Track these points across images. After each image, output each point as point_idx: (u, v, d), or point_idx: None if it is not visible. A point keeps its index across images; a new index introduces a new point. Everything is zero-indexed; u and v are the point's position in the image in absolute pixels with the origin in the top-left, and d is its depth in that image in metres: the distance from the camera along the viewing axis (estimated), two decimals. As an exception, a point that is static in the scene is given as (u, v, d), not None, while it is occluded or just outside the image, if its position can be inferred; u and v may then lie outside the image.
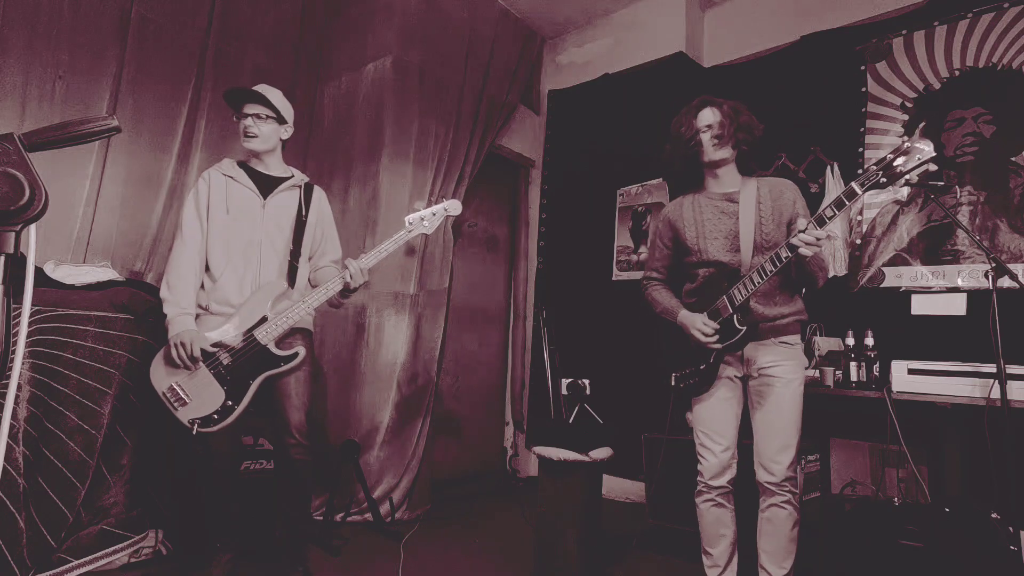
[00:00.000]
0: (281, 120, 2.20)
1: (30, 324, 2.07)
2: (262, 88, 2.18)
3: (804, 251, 1.69)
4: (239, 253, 2.10)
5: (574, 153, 4.27)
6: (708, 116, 1.94)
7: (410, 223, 2.20)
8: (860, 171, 1.74)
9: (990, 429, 2.04)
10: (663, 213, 2.12)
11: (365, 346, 3.24)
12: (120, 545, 2.23)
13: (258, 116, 2.14)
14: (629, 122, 3.96)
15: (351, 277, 2.06)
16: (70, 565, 2.10)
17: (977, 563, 1.90)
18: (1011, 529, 1.94)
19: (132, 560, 2.25)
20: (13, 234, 0.73)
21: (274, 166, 2.24)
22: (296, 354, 2.05)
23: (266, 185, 2.19)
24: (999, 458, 2.02)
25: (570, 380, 2.83)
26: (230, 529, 2.13)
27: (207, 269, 2.11)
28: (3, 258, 0.73)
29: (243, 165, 2.22)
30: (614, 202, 3.99)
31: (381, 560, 2.51)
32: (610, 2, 4.07)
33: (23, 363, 2.01)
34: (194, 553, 2.29)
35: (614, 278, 3.90)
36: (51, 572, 2.05)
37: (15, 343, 0.77)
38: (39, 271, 2.29)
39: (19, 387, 2.01)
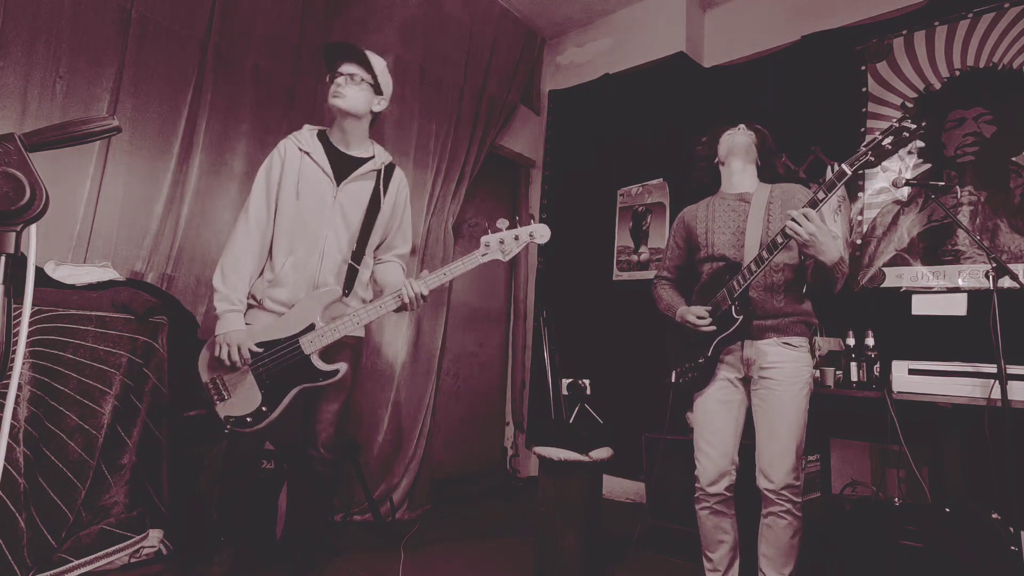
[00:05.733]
0: (378, 90, 2.00)
1: (31, 324, 2.07)
2: (379, 64, 2.00)
3: (791, 227, 1.69)
4: (303, 247, 1.96)
5: (574, 153, 4.27)
6: (740, 126, 2.07)
7: (487, 245, 1.95)
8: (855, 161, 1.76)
9: (990, 429, 2.05)
10: (680, 214, 2.19)
11: (366, 346, 3.23)
12: (121, 545, 2.23)
13: (352, 77, 1.95)
14: (629, 122, 3.96)
15: (409, 299, 1.91)
16: (71, 565, 2.10)
17: (977, 563, 1.90)
18: (1011, 529, 1.94)
19: (133, 560, 2.25)
20: (14, 234, 0.73)
21: (356, 142, 2.05)
22: (336, 371, 1.93)
23: (342, 167, 1.99)
24: (999, 458, 2.02)
25: (570, 380, 2.83)
26: (232, 528, 2.12)
27: (272, 259, 1.98)
28: (4, 258, 0.73)
29: (323, 137, 2.02)
30: (614, 202, 3.99)
31: (381, 560, 2.51)
32: (610, 2, 4.07)
33: (24, 363, 2.01)
34: (195, 552, 2.29)
35: (614, 278, 3.90)
36: (52, 572, 2.04)
37: (16, 343, 0.77)
38: (40, 271, 2.29)
39: (20, 387, 2.01)
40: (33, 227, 0.75)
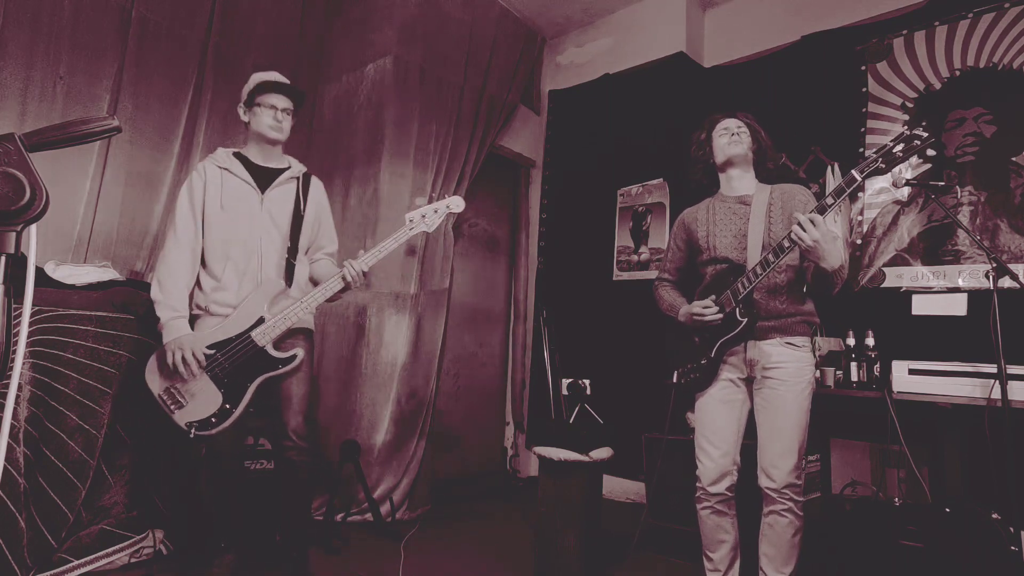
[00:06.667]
0: (294, 117, 2.21)
1: (31, 324, 2.07)
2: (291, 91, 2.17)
3: (796, 232, 1.68)
4: (239, 251, 2.06)
5: (574, 153, 4.27)
6: (728, 122, 2.04)
7: (411, 221, 2.14)
8: (860, 161, 1.76)
9: (990, 429, 2.05)
10: (680, 216, 2.19)
11: (366, 346, 3.24)
12: (121, 545, 2.23)
13: (287, 111, 2.13)
14: (630, 122, 3.96)
15: (351, 277, 2.02)
16: (71, 565, 2.10)
17: (977, 563, 1.90)
18: (1011, 529, 1.94)
19: (133, 560, 2.25)
20: (14, 234, 0.73)
21: (274, 158, 2.19)
22: (294, 356, 2.02)
23: (263, 178, 2.13)
24: (999, 458, 2.02)
25: (570, 380, 2.83)
26: (232, 529, 2.13)
27: (207, 268, 2.07)
28: (4, 258, 0.73)
29: (239, 156, 2.15)
30: (614, 202, 3.99)
31: (381, 560, 2.51)
32: (610, 2, 4.07)
33: (24, 363, 2.01)
34: (195, 553, 2.29)
35: (614, 278, 3.90)
36: (52, 572, 2.05)
37: (16, 343, 0.77)
38: (40, 271, 2.29)
39: (20, 387, 2.01)
40: (33, 227, 0.75)
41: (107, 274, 2.43)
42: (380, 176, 3.32)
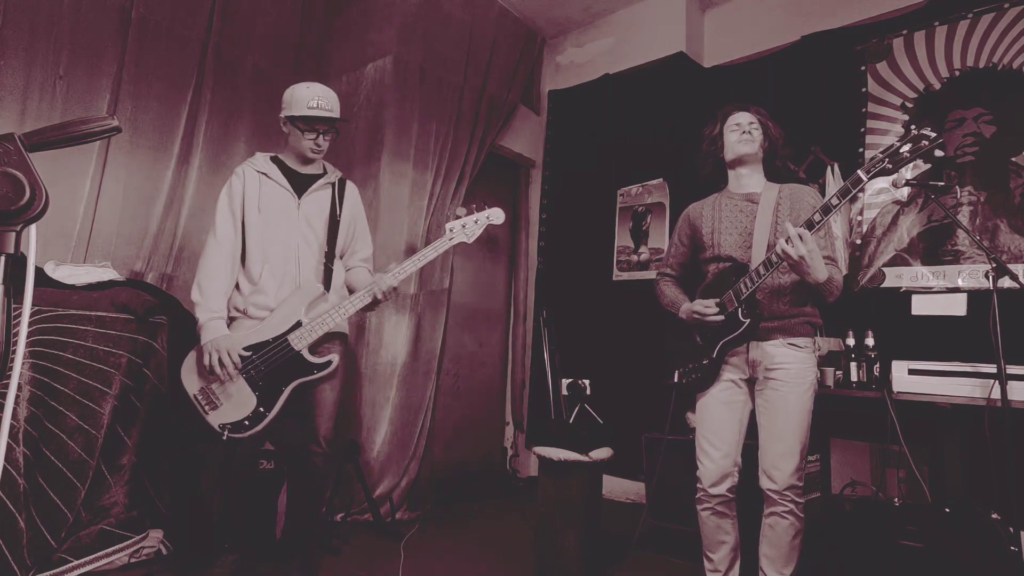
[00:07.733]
0: None
1: (30, 324, 2.07)
2: (337, 106, 2.14)
3: (782, 247, 1.69)
4: (277, 255, 2.07)
5: (574, 153, 4.27)
6: (741, 117, 2.01)
7: (451, 231, 2.14)
8: (861, 161, 1.75)
9: (990, 429, 2.05)
10: (685, 211, 2.17)
11: (365, 346, 3.24)
12: (120, 545, 2.23)
13: (328, 132, 2.13)
14: (629, 122, 3.96)
15: (380, 295, 2.02)
16: (70, 565, 2.10)
17: (977, 563, 1.90)
18: (1011, 529, 1.94)
19: (132, 560, 2.25)
20: (13, 234, 0.73)
21: (311, 163, 2.19)
22: (330, 362, 2.02)
23: (300, 183, 2.14)
24: (999, 458, 2.02)
25: (570, 380, 2.83)
26: (235, 529, 2.12)
27: (246, 271, 2.07)
28: (3, 258, 0.73)
29: (277, 161, 2.16)
30: (614, 202, 3.99)
31: (381, 560, 2.51)
32: (611, 2, 4.07)
33: (24, 363, 2.01)
34: (196, 553, 2.29)
35: (614, 278, 3.90)
36: (52, 572, 2.05)
37: (15, 343, 0.77)
38: (40, 271, 2.29)
39: (19, 387, 2.01)
40: (33, 227, 0.75)
41: (107, 274, 2.43)
42: (380, 176, 3.32)
